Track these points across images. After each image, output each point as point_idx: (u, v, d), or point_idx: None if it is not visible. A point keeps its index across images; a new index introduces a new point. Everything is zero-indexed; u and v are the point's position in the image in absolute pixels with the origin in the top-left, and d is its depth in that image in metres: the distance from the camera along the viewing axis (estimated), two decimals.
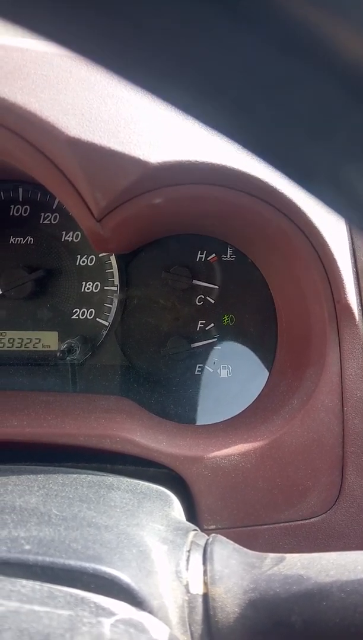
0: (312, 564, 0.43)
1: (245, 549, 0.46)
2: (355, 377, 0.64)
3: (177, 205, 0.57)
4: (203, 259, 0.84)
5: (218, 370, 0.85)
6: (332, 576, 0.41)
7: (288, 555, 0.45)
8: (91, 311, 0.83)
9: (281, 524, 0.63)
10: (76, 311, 0.83)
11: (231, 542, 0.47)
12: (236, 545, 0.47)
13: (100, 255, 0.82)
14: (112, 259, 0.82)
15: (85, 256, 0.83)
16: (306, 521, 0.64)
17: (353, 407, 0.64)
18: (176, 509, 0.55)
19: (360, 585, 0.40)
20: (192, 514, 0.62)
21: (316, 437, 0.64)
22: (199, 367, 0.85)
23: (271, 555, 0.45)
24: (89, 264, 0.83)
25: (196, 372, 0.85)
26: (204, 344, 0.84)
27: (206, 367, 0.85)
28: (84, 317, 0.83)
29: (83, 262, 0.83)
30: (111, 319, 0.83)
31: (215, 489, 0.62)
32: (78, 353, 0.78)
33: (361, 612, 0.40)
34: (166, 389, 0.83)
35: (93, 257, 0.82)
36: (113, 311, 0.83)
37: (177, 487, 0.60)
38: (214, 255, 0.84)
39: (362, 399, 0.64)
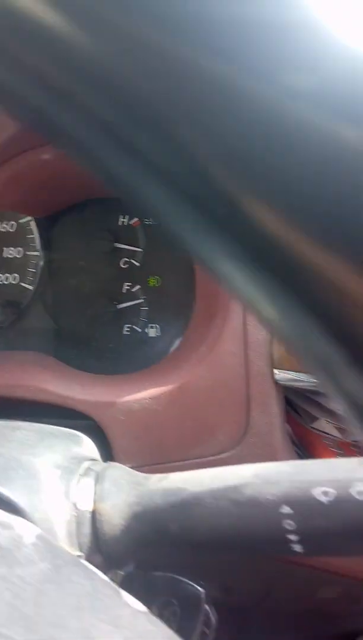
0: (192, 478, 0.48)
1: (138, 472, 0.51)
2: (257, 323, 0.69)
3: (70, 163, 0.59)
4: (125, 223, 0.87)
5: (146, 330, 0.89)
6: (205, 485, 0.46)
7: (173, 474, 0.49)
8: (15, 276, 0.85)
9: (192, 460, 0.68)
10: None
11: (128, 468, 0.52)
12: (131, 470, 0.51)
13: (20, 221, 0.84)
14: (32, 224, 0.84)
15: (5, 222, 0.85)
16: (216, 457, 0.69)
17: (256, 351, 0.69)
18: (86, 448, 0.59)
19: (228, 490, 0.45)
20: (109, 457, 0.66)
21: (223, 379, 0.68)
22: (127, 327, 0.89)
23: (159, 475, 0.50)
24: (9, 229, 0.85)
25: (124, 333, 0.89)
26: (131, 305, 0.88)
27: (134, 327, 0.89)
28: (8, 282, 0.85)
29: (4, 228, 0.85)
30: (35, 283, 0.85)
31: (129, 431, 0.66)
32: None
33: (227, 515, 0.45)
34: (92, 349, 0.86)
35: (14, 223, 0.85)
36: (37, 275, 0.85)
37: (99, 437, 0.64)
38: (136, 219, 0.87)
39: (264, 343, 0.69)
